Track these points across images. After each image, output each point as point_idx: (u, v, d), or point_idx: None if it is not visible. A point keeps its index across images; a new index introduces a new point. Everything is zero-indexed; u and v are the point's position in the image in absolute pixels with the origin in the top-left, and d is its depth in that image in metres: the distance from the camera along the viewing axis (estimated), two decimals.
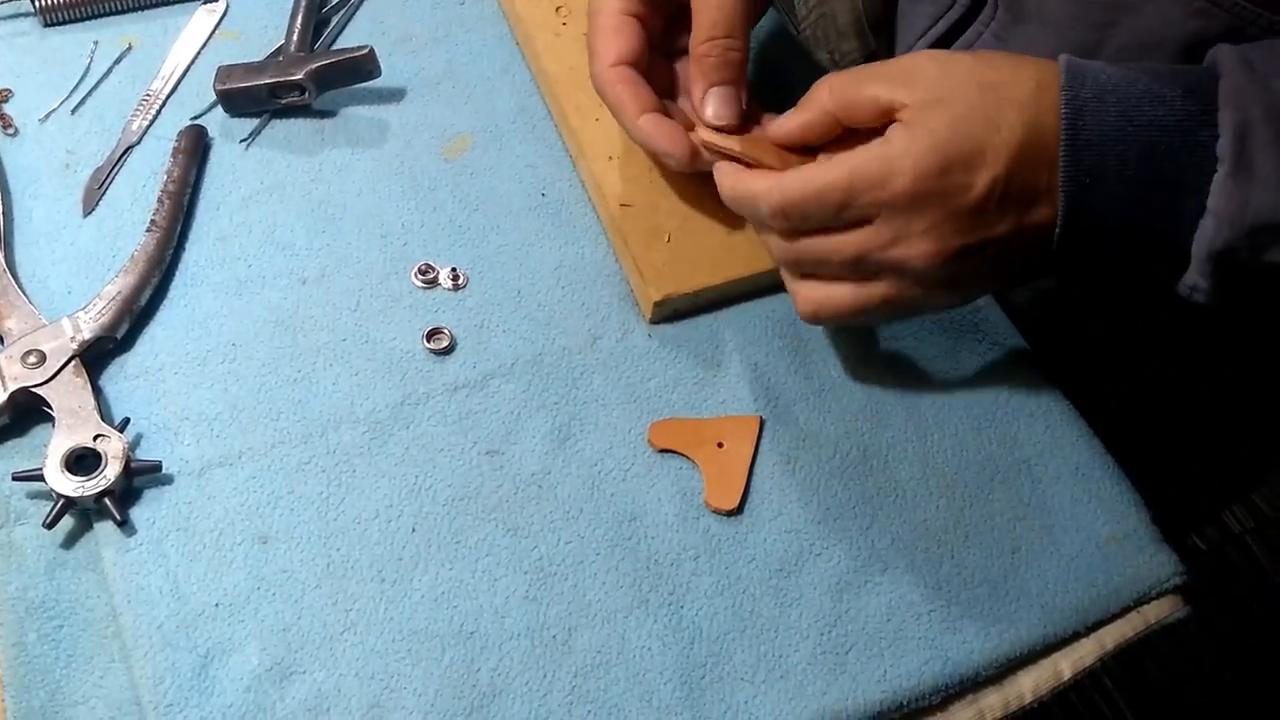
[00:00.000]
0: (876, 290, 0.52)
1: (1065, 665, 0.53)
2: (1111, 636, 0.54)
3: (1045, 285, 0.70)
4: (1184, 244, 0.48)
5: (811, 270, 0.54)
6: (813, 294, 0.54)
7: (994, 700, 0.52)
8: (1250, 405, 0.78)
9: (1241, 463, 0.89)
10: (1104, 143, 0.47)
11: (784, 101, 0.68)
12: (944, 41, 0.66)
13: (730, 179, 0.54)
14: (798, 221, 0.51)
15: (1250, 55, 0.47)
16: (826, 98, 0.52)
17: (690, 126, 0.57)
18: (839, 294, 0.53)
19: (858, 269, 0.51)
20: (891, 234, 0.49)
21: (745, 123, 0.57)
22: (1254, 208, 0.45)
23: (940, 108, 0.48)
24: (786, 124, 0.54)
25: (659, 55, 0.60)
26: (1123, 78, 0.48)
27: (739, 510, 0.55)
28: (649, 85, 0.57)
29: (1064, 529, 0.56)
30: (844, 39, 0.78)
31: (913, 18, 0.69)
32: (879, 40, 0.77)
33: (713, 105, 0.56)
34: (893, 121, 0.50)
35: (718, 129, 0.56)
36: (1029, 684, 0.53)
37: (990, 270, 0.51)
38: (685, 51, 0.58)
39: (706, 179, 0.57)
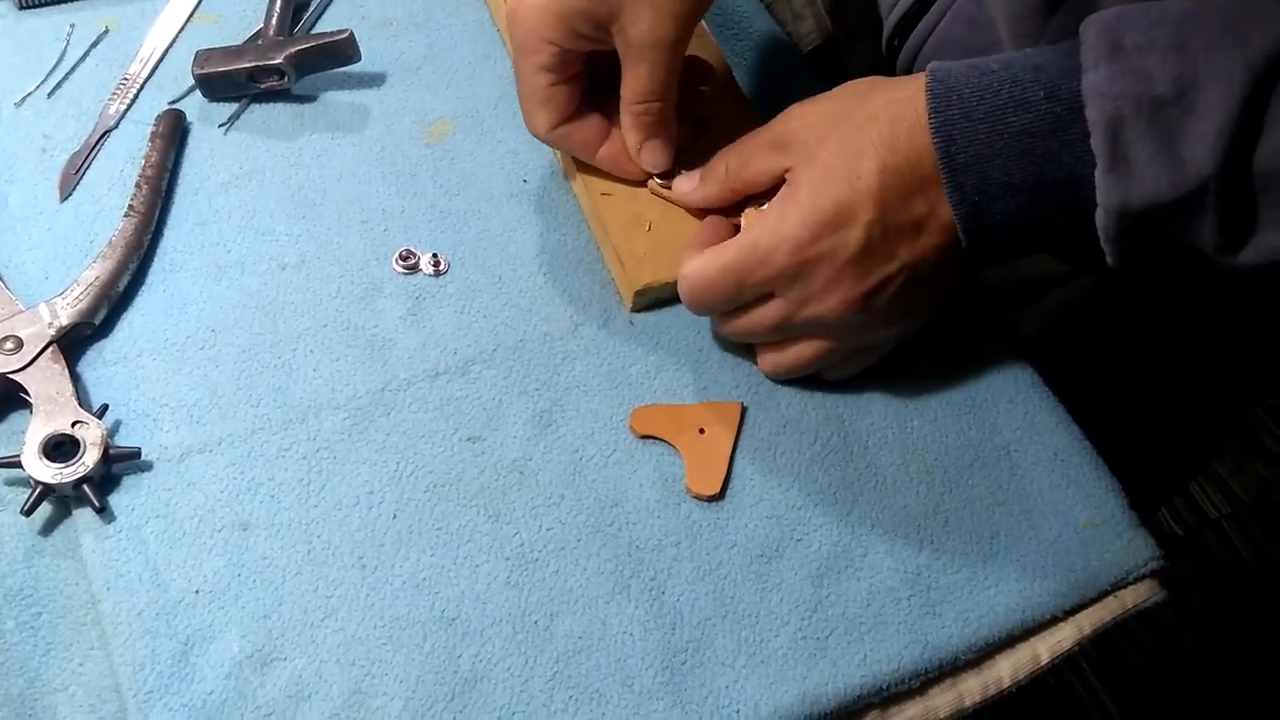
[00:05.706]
0: (819, 345, 0.55)
1: (1043, 649, 0.54)
2: (1089, 621, 0.55)
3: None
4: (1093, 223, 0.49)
5: (750, 341, 0.58)
6: (768, 357, 0.58)
7: (973, 684, 0.53)
8: (1216, 378, 0.79)
9: (1203, 437, 0.90)
10: (980, 161, 0.48)
11: (757, 79, 0.68)
12: (921, 7, 0.66)
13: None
14: (707, 309, 0.56)
15: (1120, 30, 0.46)
16: (724, 176, 0.57)
17: None
18: (790, 354, 0.56)
19: (785, 334, 0.55)
20: (797, 299, 0.52)
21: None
22: (1137, 197, 0.46)
23: (805, 172, 0.51)
24: (693, 195, 0.59)
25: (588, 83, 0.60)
26: (985, 87, 0.48)
27: (720, 496, 0.55)
28: (591, 121, 0.59)
29: (1042, 514, 0.56)
30: (800, 20, 0.78)
31: None
32: (838, 24, 0.76)
33: (649, 156, 0.59)
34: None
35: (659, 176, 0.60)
36: (1007, 668, 0.53)
37: (915, 293, 0.53)
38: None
39: None
